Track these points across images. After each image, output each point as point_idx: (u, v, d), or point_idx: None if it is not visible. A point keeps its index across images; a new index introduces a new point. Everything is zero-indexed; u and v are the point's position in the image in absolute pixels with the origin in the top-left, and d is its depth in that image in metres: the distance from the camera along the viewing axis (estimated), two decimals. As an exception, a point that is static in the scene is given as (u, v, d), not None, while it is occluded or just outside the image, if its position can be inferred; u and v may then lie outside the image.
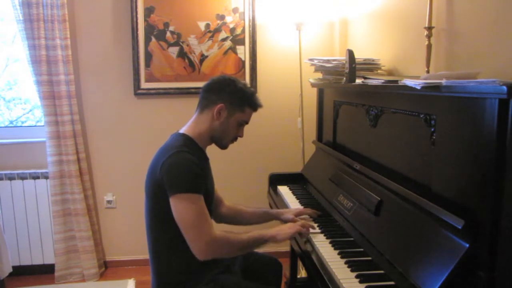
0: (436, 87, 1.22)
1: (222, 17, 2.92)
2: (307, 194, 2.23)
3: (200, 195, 1.51)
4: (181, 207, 1.48)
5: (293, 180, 2.43)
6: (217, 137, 1.68)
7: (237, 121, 1.67)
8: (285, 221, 1.82)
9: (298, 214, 1.85)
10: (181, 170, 1.50)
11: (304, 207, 1.96)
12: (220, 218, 1.89)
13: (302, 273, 2.76)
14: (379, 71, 2.21)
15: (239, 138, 1.75)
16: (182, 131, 1.67)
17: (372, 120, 1.78)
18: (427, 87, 1.24)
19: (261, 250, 1.71)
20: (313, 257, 1.53)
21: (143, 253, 1.68)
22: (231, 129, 1.67)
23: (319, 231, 1.69)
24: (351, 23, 2.83)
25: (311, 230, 1.68)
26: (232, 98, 1.63)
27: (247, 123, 1.71)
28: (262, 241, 1.61)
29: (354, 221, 1.65)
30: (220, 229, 1.56)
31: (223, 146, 1.71)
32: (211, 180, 1.73)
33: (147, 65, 2.92)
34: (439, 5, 1.72)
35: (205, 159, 1.68)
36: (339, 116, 2.24)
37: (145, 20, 2.88)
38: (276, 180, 2.45)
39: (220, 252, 1.54)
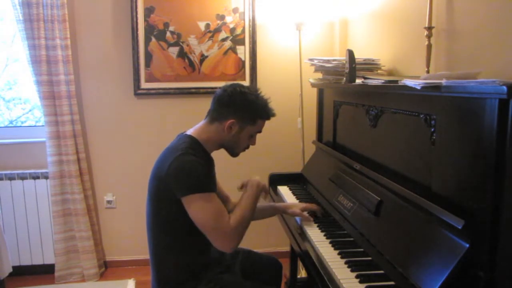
0: (436, 87, 1.22)
1: (222, 17, 2.92)
2: (307, 194, 2.23)
3: (212, 192, 1.52)
4: (197, 208, 1.49)
5: (293, 180, 2.44)
6: (228, 147, 1.69)
7: (248, 134, 1.67)
8: (292, 215, 1.88)
9: (303, 209, 1.87)
10: (190, 171, 1.49)
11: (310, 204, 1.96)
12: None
13: (302, 273, 2.76)
14: (379, 71, 2.21)
15: None
16: (189, 132, 1.65)
17: (372, 120, 1.78)
18: (427, 87, 1.24)
19: (261, 250, 1.71)
20: (313, 257, 1.53)
21: (143, 253, 1.68)
22: (242, 141, 1.67)
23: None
24: (351, 23, 2.83)
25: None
26: (243, 113, 1.62)
27: (260, 132, 1.71)
28: (258, 192, 1.65)
29: (354, 221, 1.65)
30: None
31: (234, 155, 1.73)
32: (214, 182, 1.73)
33: (147, 65, 2.92)
34: (439, 5, 1.72)
35: (210, 162, 1.68)
36: (339, 116, 2.24)
37: (145, 20, 2.88)
38: (276, 180, 2.45)
39: (242, 234, 1.54)
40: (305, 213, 1.85)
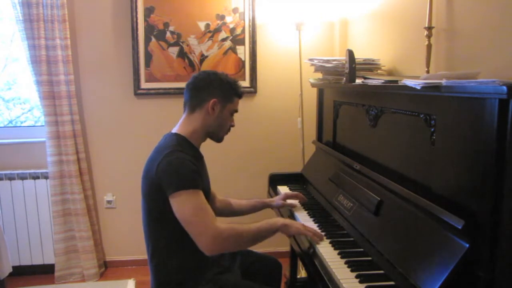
0: (436, 87, 1.22)
1: (222, 17, 2.92)
2: (307, 194, 2.23)
3: (198, 190, 1.50)
4: (180, 205, 1.48)
5: (293, 180, 2.44)
6: (214, 132, 1.69)
7: (229, 112, 1.69)
8: (277, 207, 2.00)
9: (285, 197, 1.96)
10: (177, 169, 1.50)
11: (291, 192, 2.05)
12: (215, 212, 1.89)
13: (302, 273, 2.76)
14: (379, 71, 2.21)
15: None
16: (174, 130, 1.67)
17: (372, 120, 1.78)
18: (427, 87, 1.24)
19: (261, 250, 1.71)
20: (313, 257, 1.53)
21: (143, 253, 1.67)
22: (225, 121, 1.69)
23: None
24: (351, 23, 2.83)
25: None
26: (221, 91, 1.65)
27: (237, 111, 1.73)
28: (274, 229, 1.59)
29: (354, 221, 1.65)
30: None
31: (219, 139, 1.73)
32: (206, 178, 1.73)
33: (147, 65, 2.92)
34: (439, 5, 1.72)
35: (199, 158, 1.68)
36: (339, 116, 2.24)
37: (145, 20, 2.88)
38: (276, 180, 2.45)
39: (228, 245, 1.52)
40: (287, 202, 1.96)
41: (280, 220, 1.62)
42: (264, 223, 1.58)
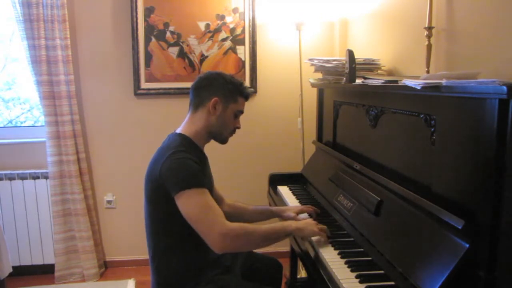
0: (436, 87, 1.22)
1: (222, 17, 2.92)
2: (307, 194, 2.23)
3: (203, 188, 1.50)
4: (186, 204, 1.48)
5: (293, 180, 2.43)
6: (216, 132, 1.67)
7: (233, 112, 1.67)
8: (287, 219, 1.82)
9: (298, 212, 1.85)
10: (180, 169, 1.50)
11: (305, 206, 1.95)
12: None
13: (302, 273, 2.76)
14: (379, 71, 2.21)
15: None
16: (178, 131, 1.66)
17: (372, 120, 1.78)
18: (427, 87, 1.24)
19: (261, 250, 1.71)
20: (313, 257, 1.54)
21: (143, 253, 1.68)
22: (228, 121, 1.67)
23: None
24: (351, 23, 2.83)
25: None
26: (224, 90, 1.64)
27: (242, 113, 1.71)
28: (286, 232, 1.57)
29: (354, 221, 1.65)
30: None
31: (223, 140, 1.71)
32: (209, 179, 1.73)
33: (147, 65, 2.92)
34: (439, 5, 1.72)
35: (203, 158, 1.68)
36: (339, 116, 2.24)
37: (145, 20, 2.88)
38: (276, 180, 2.45)
39: (237, 244, 1.49)
40: (300, 216, 1.83)
41: (293, 224, 1.59)
42: (277, 225, 1.57)
